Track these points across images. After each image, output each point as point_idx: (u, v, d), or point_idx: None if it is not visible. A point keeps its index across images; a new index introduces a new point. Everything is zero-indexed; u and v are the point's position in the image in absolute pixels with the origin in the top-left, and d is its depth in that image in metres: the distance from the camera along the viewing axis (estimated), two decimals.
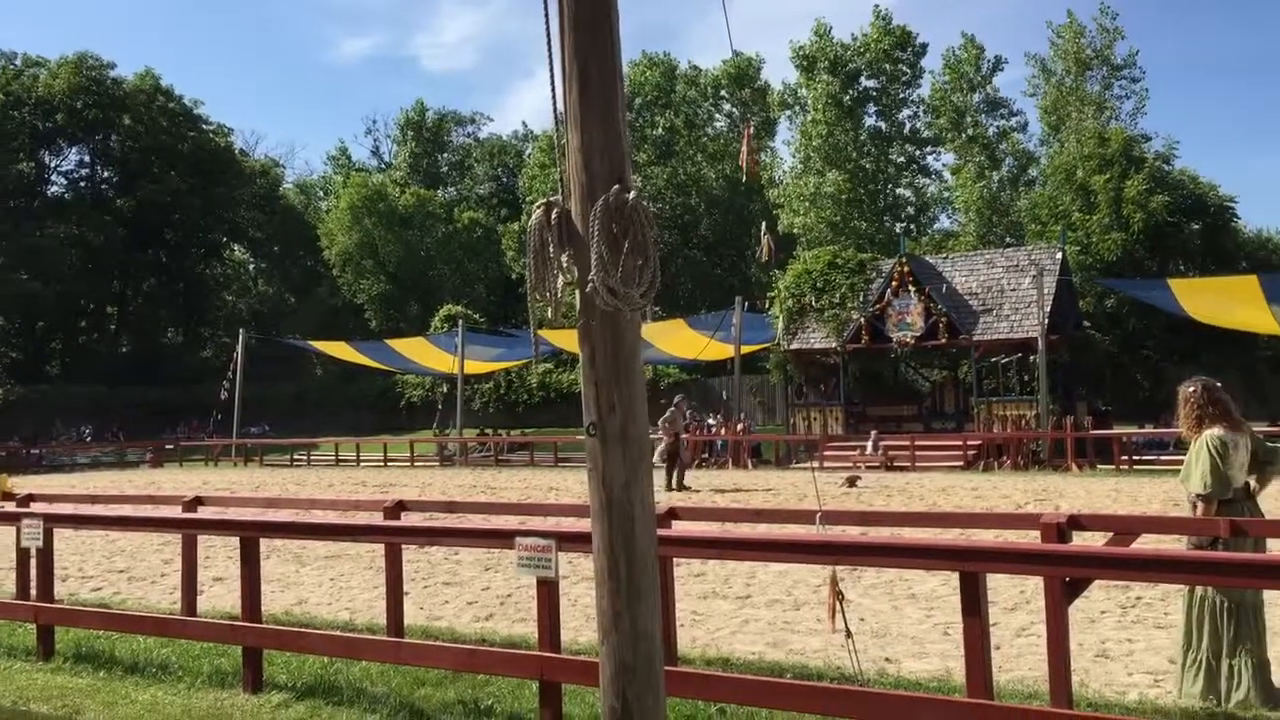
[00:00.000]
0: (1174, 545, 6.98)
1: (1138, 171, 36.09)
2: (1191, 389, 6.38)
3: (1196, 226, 36.18)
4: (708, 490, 21.52)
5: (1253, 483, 6.38)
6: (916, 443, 27.60)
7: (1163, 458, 24.20)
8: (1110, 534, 6.68)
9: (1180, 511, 6.60)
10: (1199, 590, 6.07)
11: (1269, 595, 6.55)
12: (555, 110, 4.17)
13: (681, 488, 21.57)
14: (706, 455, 31.34)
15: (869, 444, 28.02)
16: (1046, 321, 27.51)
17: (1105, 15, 46.01)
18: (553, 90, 4.16)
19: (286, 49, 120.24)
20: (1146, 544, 7.19)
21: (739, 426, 31.70)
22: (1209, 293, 28.33)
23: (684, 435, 23.01)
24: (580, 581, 9.77)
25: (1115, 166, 36.65)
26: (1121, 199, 35.71)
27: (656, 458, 22.57)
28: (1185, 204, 36.11)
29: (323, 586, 10.92)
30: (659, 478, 21.62)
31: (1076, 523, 6.41)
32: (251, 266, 73.40)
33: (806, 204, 49.11)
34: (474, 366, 40.59)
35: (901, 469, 26.14)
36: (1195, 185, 37.30)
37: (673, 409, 23.19)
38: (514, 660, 6.13)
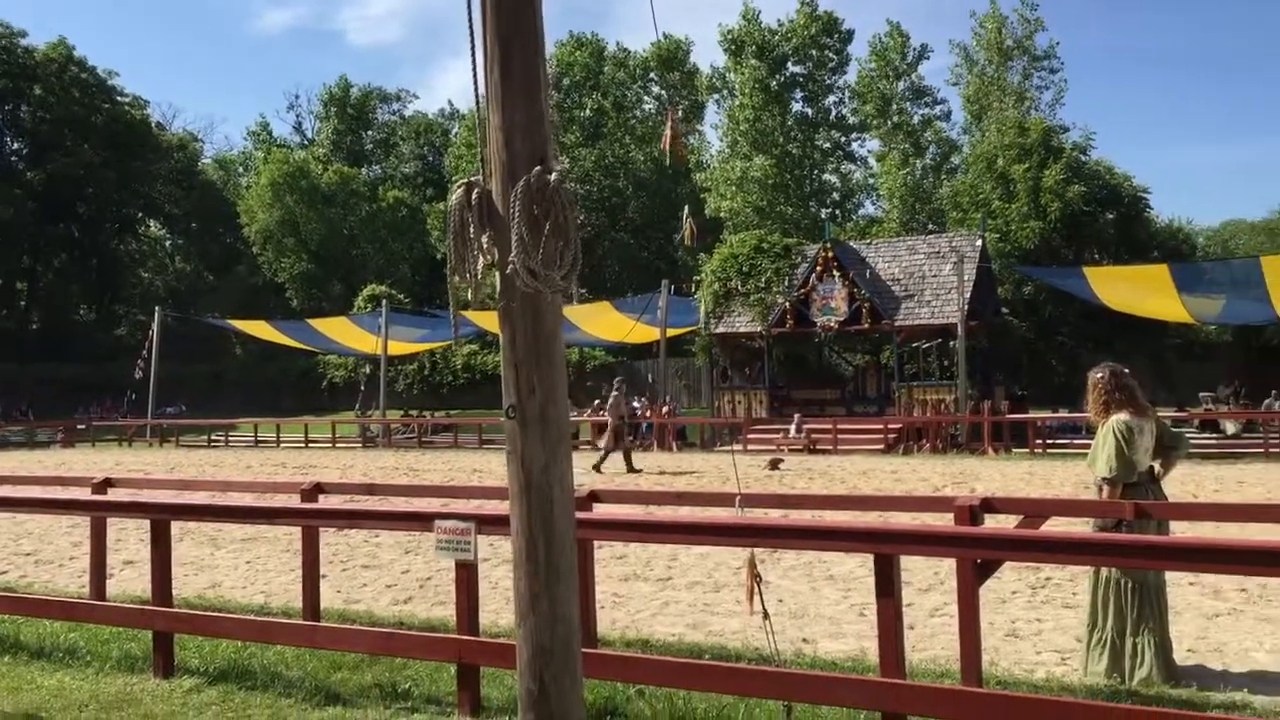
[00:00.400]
0: (1083, 527, 7.17)
1: (1056, 161, 36.83)
2: (1099, 375, 6.54)
3: (1111, 216, 37.05)
4: (632, 473, 21.59)
5: (1157, 467, 6.56)
6: (839, 426, 27.93)
7: (1076, 441, 24.79)
8: (1021, 516, 6.82)
9: (1089, 494, 6.77)
10: (1104, 571, 6.24)
11: (1171, 576, 6.77)
12: (476, 89, 4.13)
13: (631, 468, 21.73)
14: (632, 438, 31.36)
15: (792, 427, 28.30)
16: (966, 308, 27.98)
17: (1026, 6, 46.88)
18: (474, 68, 4.11)
19: (206, 19, 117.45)
20: (1057, 526, 7.37)
21: (664, 409, 31.80)
22: (1122, 281, 29.00)
23: (625, 418, 23.27)
24: (501, 564, 9.74)
25: (1034, 156, 37.36)
26: (1040, 188, 36.41)
27: (604, 442, 22.77)
28: (1101, 194, 36.93)
29: (238, 569, 10.75)
30: (599, 461, 22.00)
31: (989, 505, 6.55)
32: (168, 243, 71.79)
33: (733, 188, 49.35)
34: (398, 347, 40.16)
35: (824, 452, 26.45)
36: (1110, 176, 38.18)
37: (616, 393, 23.36)
38: (432, 643, 6.10)
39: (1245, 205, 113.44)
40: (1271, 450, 23.06)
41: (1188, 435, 23.29)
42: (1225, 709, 5.42)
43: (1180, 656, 6.49)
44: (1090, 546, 5.22)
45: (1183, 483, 16.56)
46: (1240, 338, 35.97)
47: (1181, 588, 8.41)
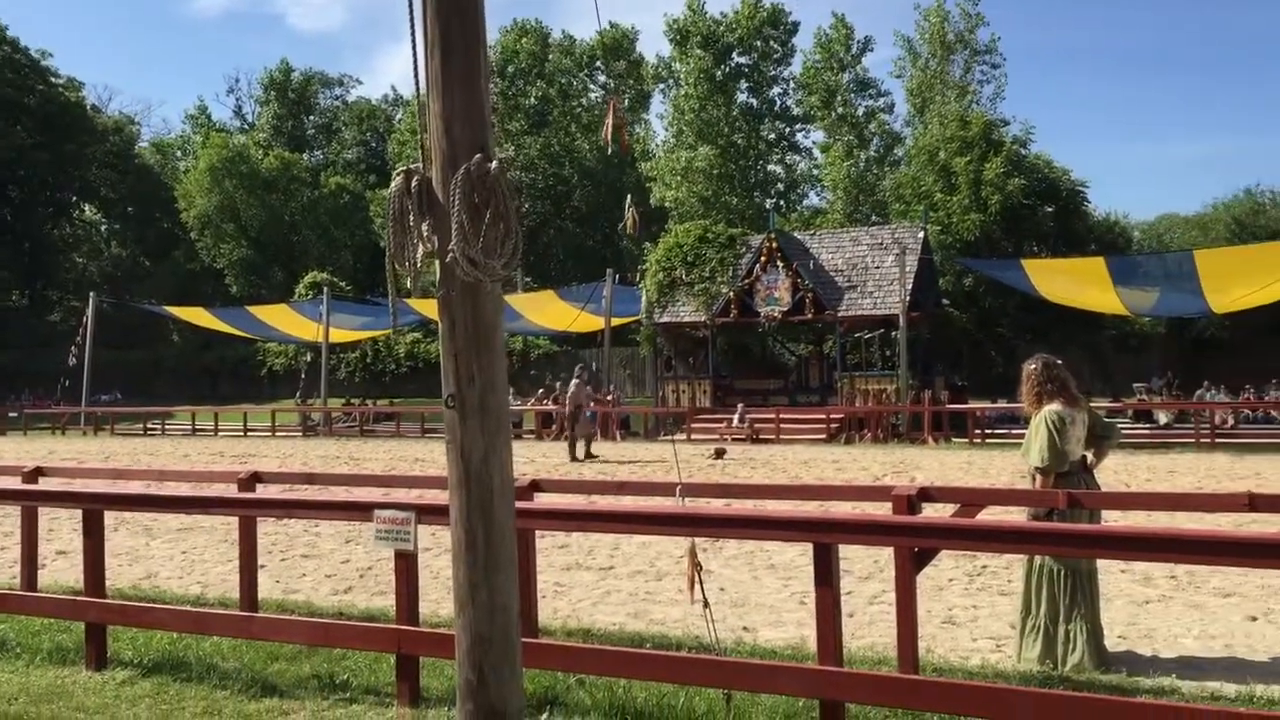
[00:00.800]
0: (1018, 516, 7.28)
1: (996, 155, 37.22)
2: (1033, 366, 6.67)
3: (1050, 209, 37.51)
4: (574, 462, 21.59)
5: (1090, 456, 6.68)
6: (781, 416, 28.14)
7: (1014, 432, 25.14)
8: (958, 505, 6.91)
9: (1025, 484, 6.88)
10: (1038, 559, 6.35)
11: (1102, 563, 6.90)
12: (416, 75, 4.09)
13: (574, 458, 21.73)
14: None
15: (736, 417, 28.44)
16: (908, 299, 28.27)
17: (968, 0, 47.31)
18: (414, 55, 4.08)
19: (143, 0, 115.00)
20: (993, 515, 7.49)
21: (608, 398, 31.81)
22: (1059, 273, 29.45)
23: (583, 406, 23.19)
24: (443, 554, 9.68)
25: (975, 149, 37.75)
26: (981, 181, 36.79)
27: (569, 435, 22.73)
28: (1040, 187, 37.40)
29: (174, 560, 10.60)
30: (585, 450, 22.21)
31: (926, 495, 6.62)
32: (104, 227, 70.35)
33: (678, 178, 49.35)
34: (339, 335, 39.76)
35: (767, 441, 26.61)
36: (1050, 169, 38.66)
37: (576, 380, 23.30)
38: (371, 634, 6.05)
39: (1179, 200, 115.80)
40: (1202, 440, 23.60)
41: (1121, 425, 23.83)
42: (1154, 694, 5.54)
43: (1111, 643, 6.63)
44: (1025, 535, 5.31)
45: (1116, 472, 16.87)
46: (1174, 330, 36.69)
47: (1113, 575, 8.58)
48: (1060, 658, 6.23)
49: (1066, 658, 6.21)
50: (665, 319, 32.19)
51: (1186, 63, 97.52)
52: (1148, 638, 6.97)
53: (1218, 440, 23.59)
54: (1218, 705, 5.16)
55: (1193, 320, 34.22)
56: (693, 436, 27.27)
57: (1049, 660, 6.24)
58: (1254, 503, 6.04)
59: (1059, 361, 6.70)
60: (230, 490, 8.11)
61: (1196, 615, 7.51)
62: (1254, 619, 7.35)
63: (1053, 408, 6.42)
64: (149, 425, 37.64)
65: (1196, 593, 8.18)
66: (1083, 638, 6.21)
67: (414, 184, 4.01)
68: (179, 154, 73.21)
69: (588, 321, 34.06)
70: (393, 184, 4.07)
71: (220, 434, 34.90)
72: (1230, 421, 25.76)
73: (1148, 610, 7.70)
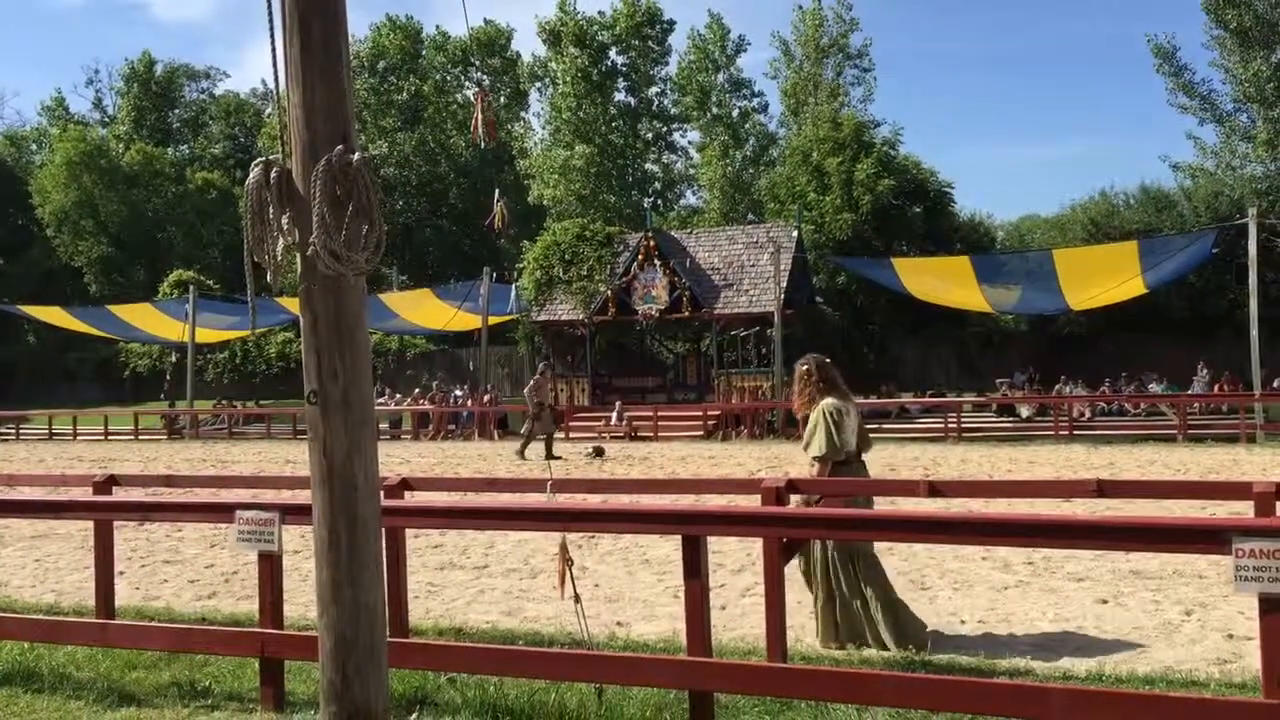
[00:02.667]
0: (885, 504, 7.47)
1: (867, 156, 37.98)
2: (805, 367, 7.10)
3: (918, 209, 38.48)
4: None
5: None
6: (660, 413, 28.29)
7: (884, 426, 25.80)
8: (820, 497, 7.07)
9: (885, 475, 7.07)
10: (816, 547, 6.70)
11: (964, 550, 7.13)
12: (275, 64, 4.00)
13: (522, 456, 21.21)
14: (453, 427, 31.11)
15: (614, 414, 28.51)
16: (782, 297, 28.72)
17: (841, 5, 48.30)
18: (272, 44, 3.99)
19: None
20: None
21: (485, 397, 31.58)
22: (927, 272, 30.26)
23: (545, 404, 22.24)
24: (313, 556, 9.48)
25: (847, 150, 38.46)
26: (852, 181, 37.50)
27: (525, 430, 22.08)
28: (909, 188, 38.31)
29: (26, 568, 10.16)
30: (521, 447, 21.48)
31: (794, 487, 6.75)
32: None
33: (556, 176, 49.24)
34: (206, 335, 38.56)
35: (645, 439, 26.74)
36: (918, 170, 39.64)
37: (538, 376, 22.67)
38: (234, 638, 5.90)
39: (1040, 201, 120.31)
40: (1061, 433, 24.54)
41: (985, 420, 24.60)
42: (1010, 675, 5.75)
43: (971, 627, 6.88)
44: (886, 522, 5.44)
45: (979, 463, 17.44)
46: (1035, 327, 37.99)
47: (974, 562, 8.88)
48: (869, 635, 6.56)
49: (881, 636, 6.52)
50: (543, 317, 32.09)
51: (1042, 68, 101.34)
52: (1006, 621, 7.22)
53: (1075, 433, 24.56)
54: (1069, 684, 5.38)
55: (1053, 317, 35.49)
56: (571, 435, 27.25)
57: (846, 640, 6.58)
58: (1102, 489, 6.32)
59: (828, 360, 7.16)
60: (85, 494, 7.81)
61: (1052, 599, 7.80)
62: (1104, 602, 7.67)
63: (829, 401, 6.88)
64: (2, 430, 35.97)
65: (1052, 578, 8.50)
66: (880, 613, 6.55)
67: (273, 175, 3.92)
68: (34, 147, 70.05)
69: (465, 320, 33.76)
70: (251, 176, 3.97)
71: (80, 438, 33.51)
72: (1087, 415, 26.83)
73: (1006, 595, 7.98)
